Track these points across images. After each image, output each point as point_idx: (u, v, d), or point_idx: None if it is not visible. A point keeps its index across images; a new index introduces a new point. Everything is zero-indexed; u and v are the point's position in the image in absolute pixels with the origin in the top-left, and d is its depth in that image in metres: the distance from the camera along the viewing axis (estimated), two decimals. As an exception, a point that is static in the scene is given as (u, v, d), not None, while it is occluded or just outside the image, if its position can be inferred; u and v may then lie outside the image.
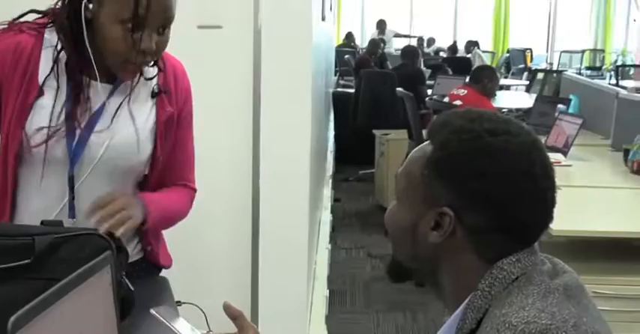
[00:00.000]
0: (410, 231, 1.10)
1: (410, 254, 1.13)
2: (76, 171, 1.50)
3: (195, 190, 1.74)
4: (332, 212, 5.23)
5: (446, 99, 5.22)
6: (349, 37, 12.76)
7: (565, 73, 6.93)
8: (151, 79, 1.56)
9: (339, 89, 8.47)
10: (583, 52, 13.29)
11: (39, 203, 1.53)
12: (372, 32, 13.41)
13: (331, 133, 7.16)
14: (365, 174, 6.75)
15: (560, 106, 4.90)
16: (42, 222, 1.39)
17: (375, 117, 6.58)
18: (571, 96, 5.18)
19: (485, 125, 1.05)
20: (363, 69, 7.76)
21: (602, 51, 14.16)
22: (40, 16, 1.52)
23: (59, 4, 1.48)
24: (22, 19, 1.52)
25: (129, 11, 1.37)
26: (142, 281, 1.62)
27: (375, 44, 9.51)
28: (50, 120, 1.47)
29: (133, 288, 1.37)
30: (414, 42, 12.77)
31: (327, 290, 3.53)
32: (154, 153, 1.58)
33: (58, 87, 1.48)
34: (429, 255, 1.09)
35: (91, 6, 1.41)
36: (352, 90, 7.54)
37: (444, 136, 1.07)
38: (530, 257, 1.06)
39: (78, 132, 1.49)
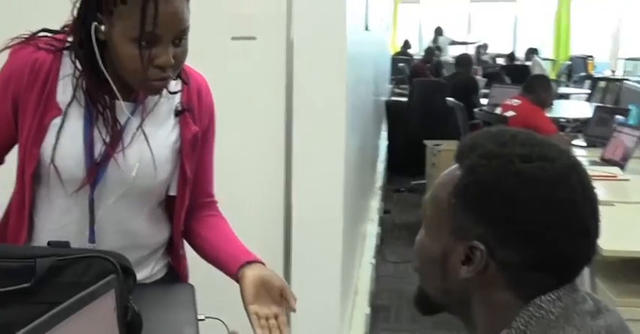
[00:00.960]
0: (439, 264, 1.01)
1: (440, 287, 1.04)
2: (96, 193, 1.46)
3: (217, 202, 1.69)
4: (380, 224, 5.13)
5: (498, 110, 5.06)
6: (406, 44, 12.65)
7: (626, 81, 6.69)
8: (175, 93, 1.51)
9: (394, 98, 8.36)
10: (649, 59, 12.85)
11: (56, 223, 1.49)
12: (429, 40, 13.27)
13: (383, 143, 7.06)
14: (417, 185, 6.63)
15: (619, 117, 4.71)
16: (48, 243, 1.35)
17: (428, 127, 6.48)
18: (630, 106, 4.99)
19: (518, 150, 0.96)
20: (417, 77, 7.66)
21: (670, 58, 13.66)
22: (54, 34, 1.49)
23: (72, 27, 1.43)
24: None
25: (138, 28, 1.32)
26: (165, 287, 1.59)
27: (430, 52, 9.39)
28: (69, 142, 1.43)
29: (139, 313, 1.31)
30: (471, 48, 12.57)
31: (369, 308, 3.43)
32: (181, 173, 1.53)
33: (78, 107, 1.44)
34: (459, 290, 1.01)
35: (102, 27, 1.36)
36: (402, 99, 7.44)
37: (472, 161, 0.98)
38: (572, 294, 0.97)
39: (98, 153, 1.44)
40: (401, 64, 9.63)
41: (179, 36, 1.37)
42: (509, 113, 4.71)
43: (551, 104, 5.19)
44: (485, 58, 12.25)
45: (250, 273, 1.45)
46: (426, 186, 6.10)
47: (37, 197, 1.49)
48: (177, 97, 1.52)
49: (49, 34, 1.47)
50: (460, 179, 0.99)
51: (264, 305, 1.42)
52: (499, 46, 13.69)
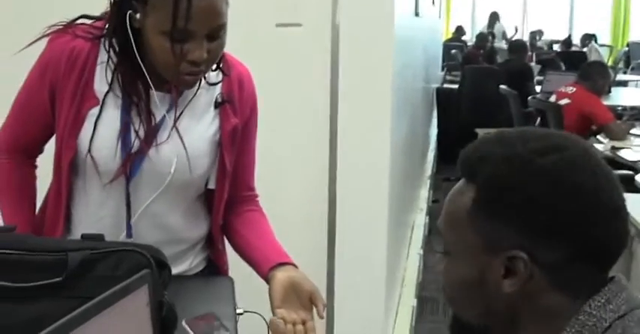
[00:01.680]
0: (477, 286, 0.95)
1: (482, 311, 0.98)
2: (132, 186, 1.42)
3: (257, 196, 1.64)
4: (428, 213, 5.05)
5: (552, 98, 4.91)
6: (459, 30, 12.44)
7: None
8: (215, 84, 1.47)
9: (445, 85, 8.21)
10: None
11: (93, 216, 1.46)
12: (482, 26, 13.03)
13: (433, 131, 6.95)
14: (467, 174, 6.49)
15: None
16: (82, 236, 1.32)
17: (480, 115, 6.34)
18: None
19: (530, 146, 0.92)
20: (469, 64, 7.52)
21: None
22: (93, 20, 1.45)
23: (108, 14, 1.39)
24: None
25: (170, 22, 1.27)
26: (204, 280, 1.56)
27: (483, 38, 9.20)
28: (106, 132, 1.40)
29: (174, 308, 1.27)
30: (525, 34, 12.28)
31: (415, 299, 3.37)
32: (220, 166, 1.48)
33: (115, 97, 1.40)
34: (505, 307, 0.95)
35: (137, 16, 1.32)
36: (453, 86, 7.29)
37: (487, 172, 0.93)
38: (621, 294, 0.91)
39: (135, 145, 1.40)
40: (453, 51, 9.46)
41: (213, 32, 1.31)
42: (564, 101, 4.56)
43: (609, 91, 5.00)
44: (540, 44, 11.95)
45: (280, 275, 1.40)
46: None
47: (74, 189, 1.46)
48: (218, 88, 1.47)
49: (87, 22, 1.44)
50: (478, 192, 0.94)
51: (291, 310, 1.36)
52: (555, 32, 13.36)
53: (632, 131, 4.70)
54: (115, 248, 1.26)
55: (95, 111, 1.39)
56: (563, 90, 4.81)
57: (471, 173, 0.95)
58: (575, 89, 4.72)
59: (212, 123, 1.47)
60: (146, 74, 1.36)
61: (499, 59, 8.93)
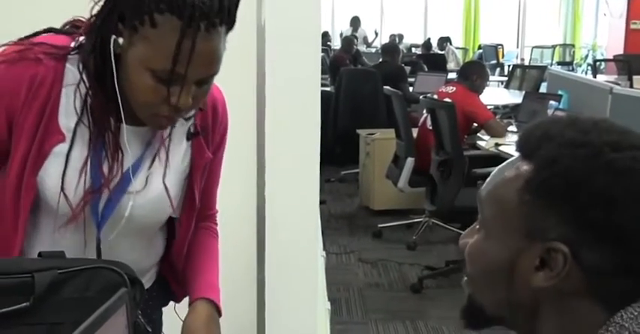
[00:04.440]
0: (504, 271, 0.88)
1: (502, 299, 0.90)
2: (104, 233, 1.29)
3: (217, 212, 1.54)
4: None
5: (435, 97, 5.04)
6: (325, 36, 12.57)
7: (550, 68, 6.86)
8: (189, 118, 1.33)
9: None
10: (554, 47, 13.26)
11: None
12: (343, 29, 13.25)
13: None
14: (348, 175, 6.58)
15: (553, 102, 4.78)
16: (40, 254, 1.17)
17: (357, 117, 6.41)
18: (560, 92, 5.08)
19: (605, 137, 0.85)
20: (340, 67, 7.59)
21: (572, 46, 14.14)
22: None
23: (84, 30, 1.23)
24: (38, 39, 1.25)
25: (164, 63, 1.12)
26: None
27: (350, 42, 9.34)
28: (76, 174, 1.24)
29: (150, 329, 1.16)
30: (385, 39, 12.62)
31: (329, 303, 3.33)
32: (189, 200, 1.37)
33: (83, 129, 1.24)
34: (527, 301, 0.88)
35: (120, 41, 1.16)
36: (327, 89, 7.34)
37: (549, 152, 0.85)
38: None
39: (107, 189, 1.26)
40: (321, 54, 9.55)
41: (207, 78, 1.19)
42: (447, 100, 4.68)
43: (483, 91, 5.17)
44: (401, 47, 12.31)
45: (191, 320, 1.34)
46: (360, 176, 6.03)
47: (32, 230, 1.29)
48: (191, 119, 1.34)
49: (48, 42, 1.24)
50: (534, 172, 0.86)
51: None
52: (412, 36, 13.81)
53: (510, 128, 4.92)
54: (83, 266, 1.13)
55: (60, 148, 1.23)
56: (444, 90, 4.94)
57: (530, 149, 0.88)
58: (455, 89, 4.86)
59: (185, 157, 1.35)
60: (121, 106, 1.21)
61: (365, 61, 9.11)
